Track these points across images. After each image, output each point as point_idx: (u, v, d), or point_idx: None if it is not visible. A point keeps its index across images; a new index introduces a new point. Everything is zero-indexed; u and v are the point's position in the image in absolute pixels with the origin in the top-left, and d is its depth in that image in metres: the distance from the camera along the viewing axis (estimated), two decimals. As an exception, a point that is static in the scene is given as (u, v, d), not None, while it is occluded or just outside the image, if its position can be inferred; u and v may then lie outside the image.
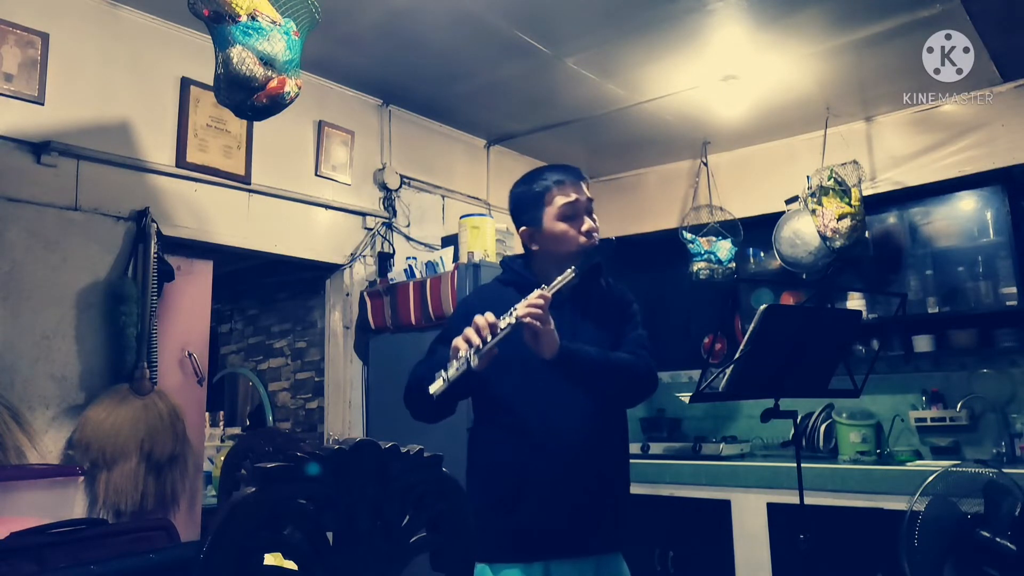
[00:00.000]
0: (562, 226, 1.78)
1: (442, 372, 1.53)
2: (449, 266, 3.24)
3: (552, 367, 1.65)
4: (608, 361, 1.72)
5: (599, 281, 1.86)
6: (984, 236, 3.58)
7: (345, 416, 3.50)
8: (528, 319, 1.57)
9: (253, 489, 0.82)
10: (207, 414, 3.85)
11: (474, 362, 1.52)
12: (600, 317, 1.82)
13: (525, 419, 1.72)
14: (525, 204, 1.83)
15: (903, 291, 3.11)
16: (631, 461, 1.86)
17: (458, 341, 1.57)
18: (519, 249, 1.95)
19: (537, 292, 1.61)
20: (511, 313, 1.58)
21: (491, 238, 3.33)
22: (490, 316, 1.57)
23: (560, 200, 1.78)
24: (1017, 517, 2.57)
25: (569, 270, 1.65)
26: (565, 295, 1.69)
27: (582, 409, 1.73)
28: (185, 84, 2.94)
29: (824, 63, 3.33)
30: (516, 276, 1.85)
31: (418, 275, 3.34)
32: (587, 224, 1.79)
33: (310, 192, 3.38)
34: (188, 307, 3.00)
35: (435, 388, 1.52)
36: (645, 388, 1.81)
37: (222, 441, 4.34)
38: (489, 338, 1.54)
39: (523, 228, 1.84)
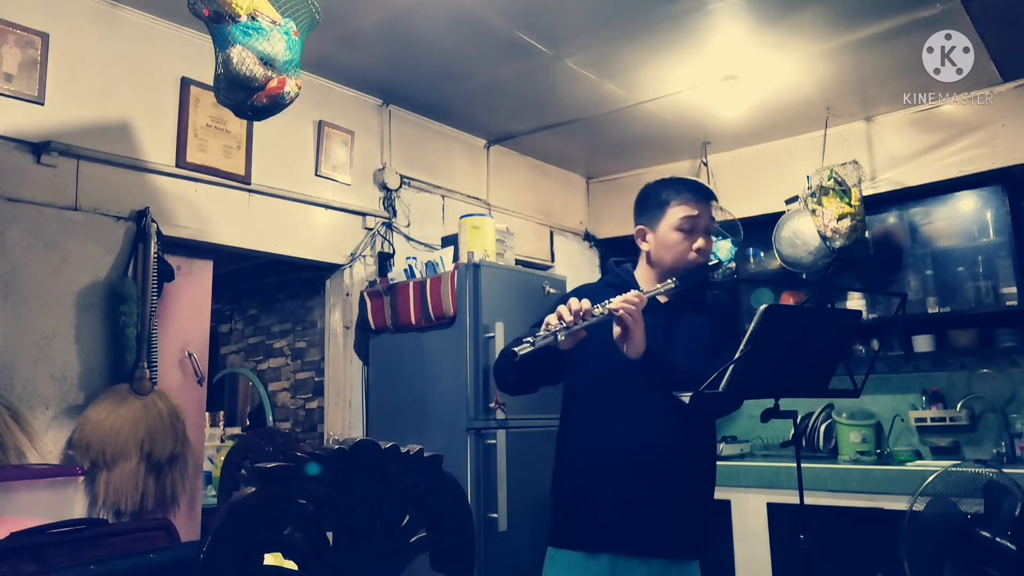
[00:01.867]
0: (676, 236, 1.82)
1: (530, 338, 1.63)
2: (449, 266, 3.24)
3: (635, 367, 1.71)
4: (692, 374, 1.74)
5: (701, 296, 1.89)
6: (984, 236, 3.58)
7: (345, 416, 3.49)
8: (621, 311, 1.66)
9: (253, 489, 0.82)
10: (207, 414, 3.85)
11: (561, 337, 1.62)
12: (696, 329, 1.84)
13: (600, 417, 1.79)
14: (648, 203, 1.90)
15: (903, 291, 3.11)
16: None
17: (551, 317, 1.67)
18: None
19: (634, 292, 1.70)
20: (604, 304, 1.67)
21: (491, 238, 3.33)
22: (586, 302, 1.67)
23: (682, 211, 1.83)
24: (1017, 517, 2.57)
25: (670, 280, 1.76)
26: (668, 303, 1.78)
27: (657, 415, 1.76)
28: (185, 84, 2.94)
29: (824, 63, 3.33)
30: (621, 281, 1.89)
31: (418, 275, 3.33)
32: (700, 242, 1.82)
33: (310, 192, 3.37)
34: (188, 307, 3.00)
35: (522, 350, 1.62)
36: (723, 406, 1.86)
37: (222, 441, 4.33)
38: (581, 321, 1.65)
39: (639, 226, 1.90)
